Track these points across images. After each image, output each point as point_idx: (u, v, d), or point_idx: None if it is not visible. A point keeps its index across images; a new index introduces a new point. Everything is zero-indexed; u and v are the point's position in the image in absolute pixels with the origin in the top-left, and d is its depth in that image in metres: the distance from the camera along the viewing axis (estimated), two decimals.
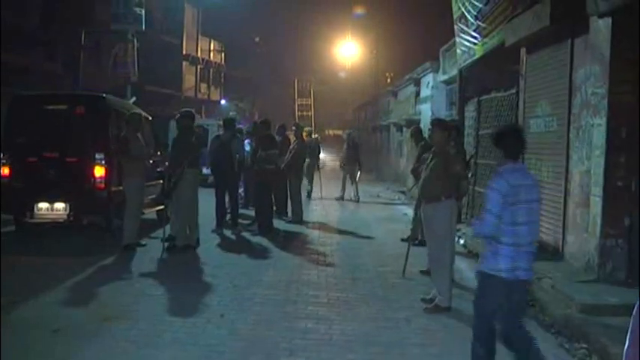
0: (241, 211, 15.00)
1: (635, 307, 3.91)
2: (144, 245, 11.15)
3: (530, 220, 5.14)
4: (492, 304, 5.29)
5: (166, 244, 11.02)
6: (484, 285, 5.38)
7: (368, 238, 13.21)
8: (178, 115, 11.64)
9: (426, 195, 8.15)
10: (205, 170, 14.89)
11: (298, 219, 15.10)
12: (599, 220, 8.45)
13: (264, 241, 12.19)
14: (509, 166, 5.25)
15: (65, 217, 11.45)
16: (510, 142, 5.43)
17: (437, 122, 8.63)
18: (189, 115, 11.50)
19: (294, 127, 17.34)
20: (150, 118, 13.92)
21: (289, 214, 15.43)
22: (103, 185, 11.41)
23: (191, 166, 11.00)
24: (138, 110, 12.71)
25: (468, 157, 12.38)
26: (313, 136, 24.16)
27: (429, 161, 8.20)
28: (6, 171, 11.60)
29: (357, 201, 20.17)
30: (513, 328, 5.28)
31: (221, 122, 16.00)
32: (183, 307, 7.69)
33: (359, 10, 45.41)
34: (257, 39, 56.93)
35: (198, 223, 11.52)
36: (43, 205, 11.44)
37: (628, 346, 3.95)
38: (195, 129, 11.86)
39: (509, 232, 5.09)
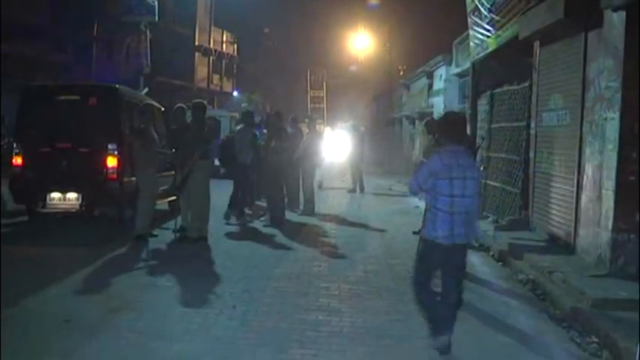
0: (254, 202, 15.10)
1: None
2: (156, 236, 11.18)
3: (466, 194, 5.84)
4: (431, 266, 6.11)
5: (177, 235, 11.08)
6: (425, 250, 6.04)
7: (379, 230, 13.20)
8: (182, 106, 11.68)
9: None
10: (218, 162, 14.86)
11: (310, 211, 15.09)
12: (611, 215, 8.42)
13: (275, 233, 12.20)
14: (448, 148, 5.96)
15: (77, 207, 11.50)
16: (450, 128, 6.14)
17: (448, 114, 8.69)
18: (200, 107, 11.50)
19: (306, 120, 17.38)
20: (162, 109, 13.94)
21: (301, 205, 15.43)
22: (115, 176, 11.45)
23: (202, 158, 11.00)
24: (151, 101, 12.74)
25: (476, 147, 12.34)
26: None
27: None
28: (19, 161, 11.66)
29: (362, 191, 20.23)
30: (449, 288, 6.10)
31: (235, 114, 16.08)
32: (194, 298, 7.70)
33: (373, 0, 45.12)
34: (266, 30, 56.80)
35: (209, 215, 11.56)
36: (56, 195, 11.50)
37: None
38: (207, 120, 11.85)
39: (447, 202, 5.80)
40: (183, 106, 11.92)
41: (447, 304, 6.08)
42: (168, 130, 11.99)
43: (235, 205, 13.90)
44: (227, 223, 13.08)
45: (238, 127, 14.38)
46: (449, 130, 6.09)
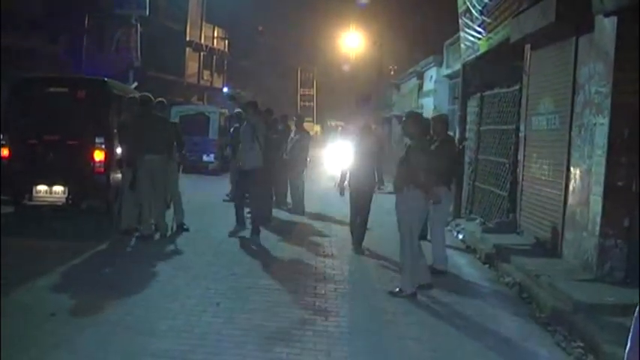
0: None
1: (637, 309, 3.89)
2: (138, 230, 11.10)
3: None
4: None
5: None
6: None
7: (368, 229, 13.16)
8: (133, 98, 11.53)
9: (394, 185, 8.42)
10: (206, 158, 14.78)
11: (300, 211, 15.06)
12: (598, 220, 8.42)
13: (263, 231, 12.16)
14: None
15: (64, 200, 11.44)
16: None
17: (410, 114, 8.94)
18: (146, 100, 11.09)
19: (294, 118, 17.33)
20: None
21: (289, 204, 15.39)
22: (102, 169, 11.40)
23: (155, 153, 10.72)
24: (137, 94, 12.66)
25: (458, 147, 12.34)
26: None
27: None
28: (5, 152, 11.58)
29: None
30: None
31: (225, 110, 15.80)
32: (179, 294, 7.67)
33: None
34: (260, 28, 56.72)
35: (182, 209, 11.78)
36: (42, 188, 11.43)
37: (629, 349, 3.93)
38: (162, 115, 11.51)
39: None
40: (135, 97, 11.80)
41: None
42: (118, 124, 11.59)
43: (254, 221, 11.61)
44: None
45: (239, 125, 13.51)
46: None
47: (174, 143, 11.64)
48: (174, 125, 12.33)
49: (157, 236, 11.02)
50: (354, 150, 11.47)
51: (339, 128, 16.59)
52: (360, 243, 11.08)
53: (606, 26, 8.49)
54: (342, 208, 14.76)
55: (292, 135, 15.79)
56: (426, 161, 8.10)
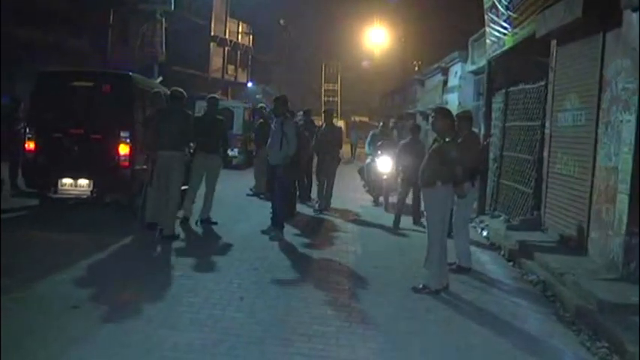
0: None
1: None
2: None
3: None
4: None
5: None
6: None
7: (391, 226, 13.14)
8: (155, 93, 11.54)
9: (421, 180, 8.40)
10: (230, 152, 14.74)
11: (326, 206, 14.84)
12: (624, 218, 8.33)
13: (286, 226, 12.14)
14: None
15: (88, 193, 11.49)
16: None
17: (439, 110, 8.94)
18: (178, 96, 10.96)
19: (323, 112, 17.12)
20: None
21: (315, 200, 15.26)
22: (127, 163, 11.43)
23: (170, 149, 10.56)
24: (162, 89, 12.69)
25: (482, 143, 12.26)
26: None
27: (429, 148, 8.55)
28: (31, 146, 11.67)
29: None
30: None
31: (249, 105, 15.64)
32: (202, 288, 7.68)
33: None
34: (282, 21, 56.70)
35: (211, 205, 11.87)
36: (67, 181, 11.49)
37: None
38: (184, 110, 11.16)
39: None
40: (159, 91, 11.87)
41: None
42: (144, 119, 11.53)
43: (277, 216, 11.51)
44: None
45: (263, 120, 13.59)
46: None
47: (220, 140, 11.94)
48: (220, 122, 12.25)
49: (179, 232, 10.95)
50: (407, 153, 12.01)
51: (379, 143, 15.30)
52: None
53: (634, 21, 8.39)
54: (367, 205, 14.80)
55: (321, 129, 15.50)
56: (455, 156, 8.08)
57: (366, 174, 17.77)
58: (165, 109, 11.02)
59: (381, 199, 15.95)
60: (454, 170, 8.04)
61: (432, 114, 9.05)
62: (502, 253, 10.87)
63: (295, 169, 12.30)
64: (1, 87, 16.42)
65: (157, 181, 10.62)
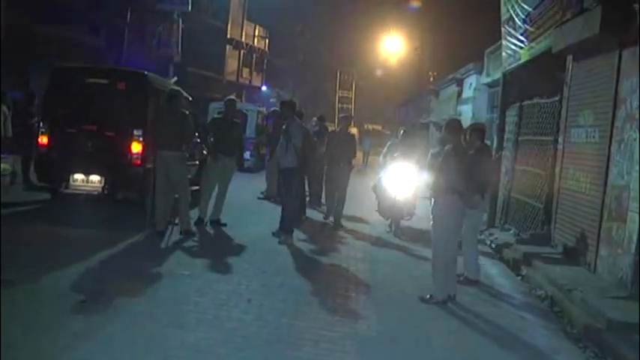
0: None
1: None
2: (177, 224, 11.17)
3: None
4: None
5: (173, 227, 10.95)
6: None
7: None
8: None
9: (431, 190, 8.41)
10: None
11: (336, 224, 13.62)
12: (635, 237, 8.29)
13: (295, 231, 12.14)
14: None
15: (100, 189, 11.54)
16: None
17: (451, 121, 8.89)
18: (175, 95, 11.07)
19: (339, 118, 16.84)
20: (190, 99, 13.91)
21: (323, 204, 15.14)
22: (139, 161, 11.48)
23: (172, 149, 10.64)
24: (178, 88, 12.71)
25: (494, 156, 12.20)
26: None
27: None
28: (44, 140, 11.74)
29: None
30: None
31: (263, 109, 15.56)
32: (210, 289, 7.71)
33: (415, 3, 44.67)
34: (299, 28, 56.85)
35: (222, 207, 11.86)
36: (79, 177, 11.55)
37: None
38: (183, 110, 11.17)
39: None
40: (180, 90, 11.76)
41: None
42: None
43: (286, 220, 11.37)
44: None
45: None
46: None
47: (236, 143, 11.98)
48: (236, 125, 12.23)
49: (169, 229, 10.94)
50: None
51: (394, 155, 12.79)
52: None
53: None
54: (376, 213, 14.67)
55: (335, 134, 14.95)
56: (465, 168, 8.07)
57: (377, 191, 15.82)
58: (162, 108, 11.09)
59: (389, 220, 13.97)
60: (452, 180, 8.00)
61: (444, 125, 9.04)
62: (510, 265, 10.85)
63: (303, 174, 12.17)
64: (0, 83, 16.44)
65: (159, 181, 10.69)
